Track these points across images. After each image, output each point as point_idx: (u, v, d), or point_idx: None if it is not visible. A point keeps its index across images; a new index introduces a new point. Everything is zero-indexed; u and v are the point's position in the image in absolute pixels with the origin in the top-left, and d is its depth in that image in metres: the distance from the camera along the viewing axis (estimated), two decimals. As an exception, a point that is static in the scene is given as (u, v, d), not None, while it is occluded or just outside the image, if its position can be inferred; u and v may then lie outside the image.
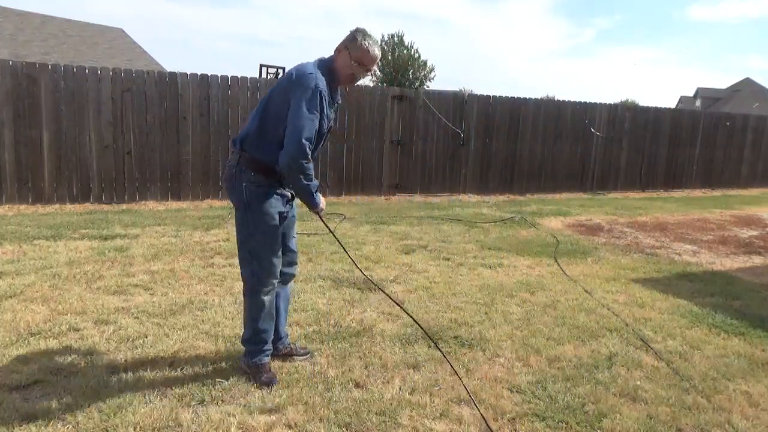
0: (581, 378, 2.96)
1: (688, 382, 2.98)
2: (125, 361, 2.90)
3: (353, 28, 2.78)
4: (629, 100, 52.29)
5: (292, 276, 3.04)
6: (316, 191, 2.73)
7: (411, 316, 3.33)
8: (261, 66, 12.72)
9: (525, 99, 10.97)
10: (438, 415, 2.55)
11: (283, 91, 2.63)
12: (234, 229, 2.82)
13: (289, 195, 2.82)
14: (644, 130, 12.30)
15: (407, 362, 3.05)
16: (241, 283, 2.86)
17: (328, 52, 2.81)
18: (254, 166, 2.67)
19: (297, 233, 2.91)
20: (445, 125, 10.15)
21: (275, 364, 2.92)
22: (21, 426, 2.31)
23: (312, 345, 3.21)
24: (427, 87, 42.44)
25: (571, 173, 11.62)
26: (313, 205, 2.78)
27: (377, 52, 2.75)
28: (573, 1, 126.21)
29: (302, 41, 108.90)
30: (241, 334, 2.92)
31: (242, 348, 2.88)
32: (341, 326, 3.51)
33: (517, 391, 2.79)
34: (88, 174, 7.79)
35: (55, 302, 3.68)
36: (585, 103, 11.60)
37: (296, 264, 3.07)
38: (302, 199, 2.75)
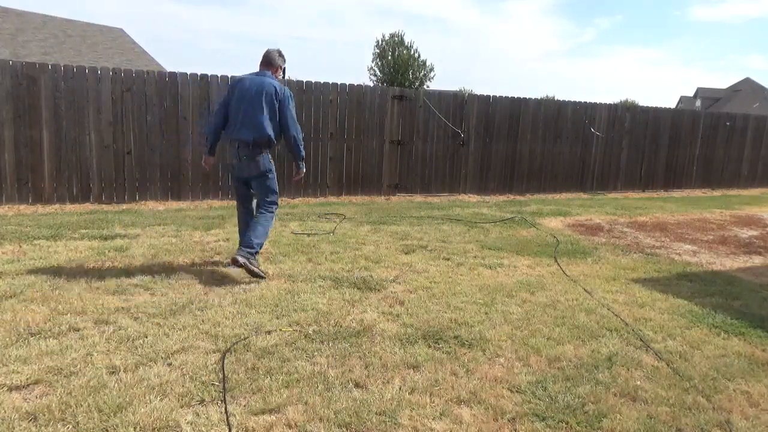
0: (581, 378, 2.96)
1: (688, 382, 2.98)
2: (125, 361, 2.90)
3: (273, 50, 4.77)
4: (629, 100, 52.35)
5: None
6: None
7: None
8: (261, 66, 12.71)
9: (525, 99, 10.97)
10: (438, 415, 2.55)
11: (278, 100, 4.57)
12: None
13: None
14: (644, 130, 12.30)
15: (407, 362, 3.05)
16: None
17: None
18: (270, 144, 4.60)
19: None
20: (445, 125, 10.15)
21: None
22: (21, 426, 2.31)
23: (312, 345, 3.21)
24: (427, 87, 42.47)
25: (571, 173, 11.62)
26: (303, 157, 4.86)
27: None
28: (573, 1, 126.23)
29: (302, 41, 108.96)
30: (251, 249, 4.39)
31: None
32: (341, 326, 3.51)
33: (517, 391, 2.79)
34: (88, 174, 7.79)
35: (55, 302, 3.68)
36: (585, 103, 11.60)
37: None
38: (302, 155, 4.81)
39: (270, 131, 4.51)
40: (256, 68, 4.72)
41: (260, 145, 4.53)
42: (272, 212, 4.72)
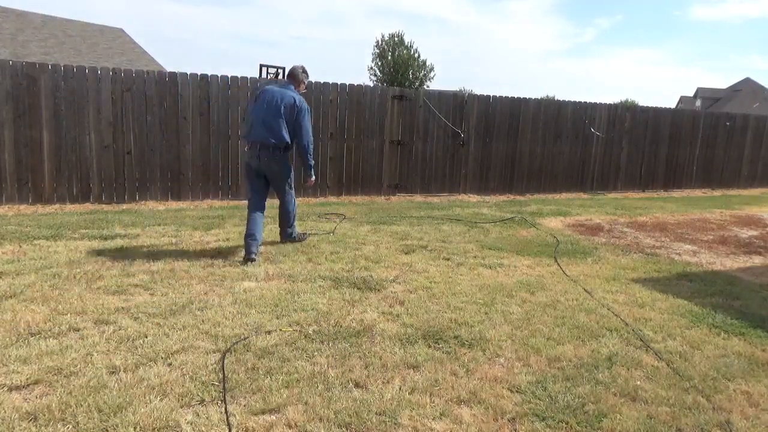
0: (581, 378, 2.96)
1: (688, 382, 2.98)
2: (125, 361, 2.90)
3: (297, 66, 5.47)
4: (629, 100, 52.40)
5: None
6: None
7: None
8: (261, 66, 12.71)
9: (525, 99, 10.97)
10: (438, 415, 2.55)
11: (295, 111, 5.19)
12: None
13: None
14: (644, 130, 12.30)
15: (407, 362, 3.05)
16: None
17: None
18: (287, 148, 5.29)
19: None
20: (445, 125, 10.15)
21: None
22: (21, 426, 2.31)
23: (312, 345, 3.21)
24: (427, 87, 42.48)
25: (571, 173, 11.62)
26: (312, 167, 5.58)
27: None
28: (573, 1, 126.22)
29: (302, 41, 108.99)
30: (287, 231, 5.69)
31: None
32: (341, 326, 3.51)
33: (517, 391, 2.79)
34: (88, 174, 7.79)
35: (55, 302, 3.68)
36: (585, 103, 11.60)
37: None
38: (310, 164, 5.50)
39: (287, 137, 5.18)
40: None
41: (279, 147, 5.18)
42: (292, 196, 5.60)
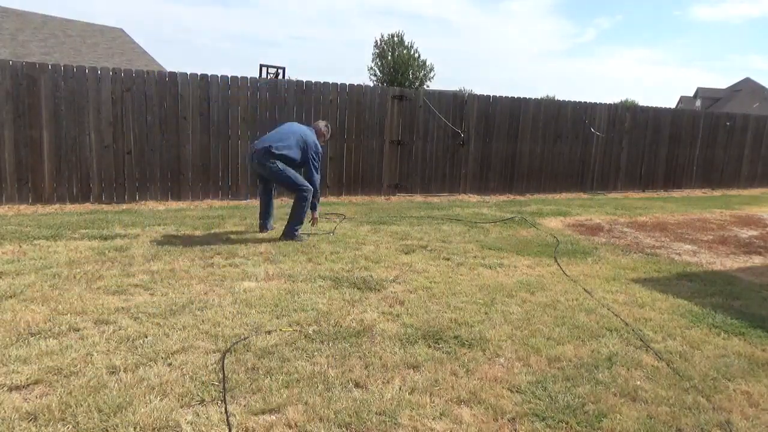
0: (581, 378, 2.96)
1: (688, 382, 2.98)
2: (125, 361, 2.90)
3: (322, 121, 6.36)
4: (629, 100, 52.41)
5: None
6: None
7: None
8: (261, 66, 12.73)
9: (525, 99, 10.97)
10: (438, 415, 2.55)
11: (307, 146, 5.87)
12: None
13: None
14: (644, 130, 12.30)
15: (407, 362, 3.05)
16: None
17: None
18: (284, 159, 5.77)
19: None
20: (445, 125, 10.15)
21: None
22: (21, 426, 2.31)
23: (312, 345, 3.21)
24: (427, 87, 42.50)
25: (571, 173, 11.62)
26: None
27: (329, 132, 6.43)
28: (573, 1, 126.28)
29: (302, 41, 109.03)
30: (291, 227, 5.85)
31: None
32: (341, 326, 3.51)
33: (517, 391, 2.79)
34: (88, 174, 7.79)
35: (55, 302, 3.68)
36: (585, 103, 11.60)
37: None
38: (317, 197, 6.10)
39: (286, 150, 5.74)
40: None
41: (270, 152, 5.69)
42: (304, 197, 5.85)
